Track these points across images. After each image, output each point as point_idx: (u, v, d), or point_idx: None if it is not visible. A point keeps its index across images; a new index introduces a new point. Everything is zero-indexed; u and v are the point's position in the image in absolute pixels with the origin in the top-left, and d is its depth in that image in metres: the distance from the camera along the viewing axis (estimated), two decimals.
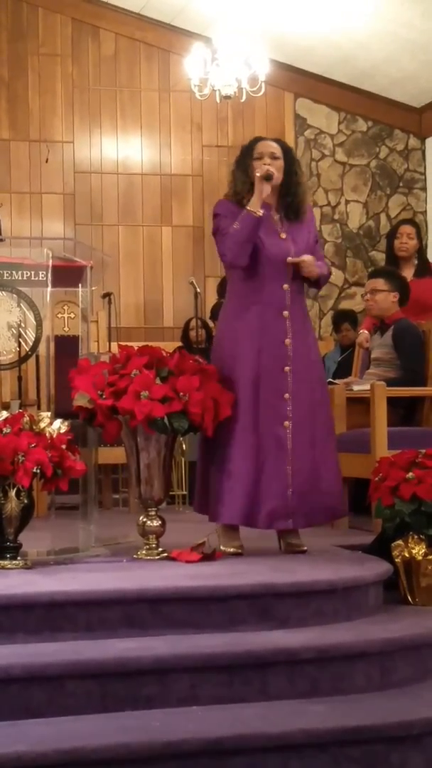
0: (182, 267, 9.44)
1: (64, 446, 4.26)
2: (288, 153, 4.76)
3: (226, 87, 8.25)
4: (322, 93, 9.78)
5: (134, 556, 4.51)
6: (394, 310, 6.04)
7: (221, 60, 8.23)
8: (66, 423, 4.36)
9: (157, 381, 4.39)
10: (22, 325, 4.83)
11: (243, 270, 4.65)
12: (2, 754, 3.08)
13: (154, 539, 4.54)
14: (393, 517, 4.47)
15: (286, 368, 4.60)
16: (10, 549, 4.24)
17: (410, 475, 4.46)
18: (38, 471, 4.16)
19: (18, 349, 4.86)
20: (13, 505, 4.19)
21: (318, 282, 4.78)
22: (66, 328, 6.03)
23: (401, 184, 9.93)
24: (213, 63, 8.26)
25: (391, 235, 6.99)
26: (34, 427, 4.26)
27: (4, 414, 4.31)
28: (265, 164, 4.61)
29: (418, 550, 4.42)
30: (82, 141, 9.38)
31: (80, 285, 4.83)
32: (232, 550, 4.60)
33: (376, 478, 4.58)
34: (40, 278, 4.76)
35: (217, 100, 8.40)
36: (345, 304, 9.60)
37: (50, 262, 4.74)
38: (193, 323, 7.94)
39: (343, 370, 7.56)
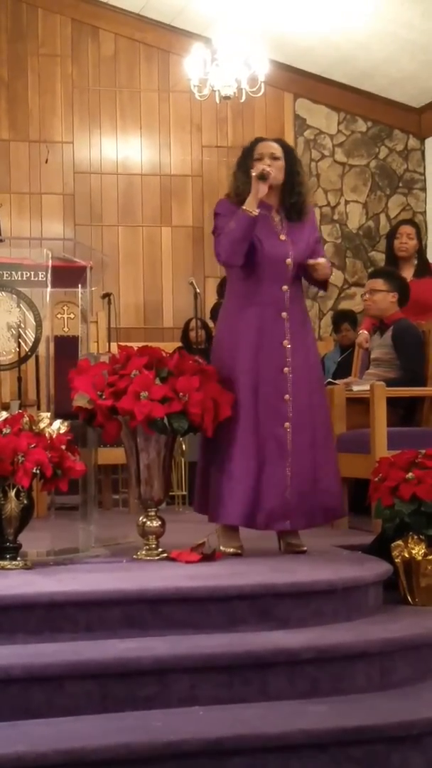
0: (182, 267, 9.44)
1: (63, 447, 4.26)
2: (289, 153, 4.75)
3: (226, 87, 8.24)
4: (322, 93, 9.77)
5: (134, 556, 4.51)
6: (393, 310, 6.03)
7: (221, 60, 8.23)
8: (66, 423, 4.36)
9: (157, 381, 4.39)
10: (22, 325, 4.83)
11: (242, 270, 4.65)
12: (2, 754, 3.07)
13: (153, 540, 4.54)
14: (393, 517, 4.47)
15: (285, 369, 4.60)
16: (10, 549, 4.24)
17: (410, 475, 4.46)
18: (38, 471, 4.16)
19: (18, 349, 4.86)
20: (12, 505, 4.19)
21: (325, 283, 4.79)
22: (66, 329, 6.02)
23: (401, 185, 9.93)
24: (212, 63, 8.26)
25: (391, 236, 6.99)
26: (34, 428, 4.26)
27: (4, 414, 4.31)
28: (265, 165, 4.60)
29: (418, 551, 4.42)
30: (81, 141, 9.38)
31: (80, 285, 4.83)
32: (231, 550, 4.60)
33: (376, 479, 4.58)
34: (40, 279, 4.76)
35: (217, 100, 8.39)
36: (345, 305, 9.59)
37: (50, 263, 4.74)
38: (192, 324, 7.94)
39: (343, 370, 7.56)
